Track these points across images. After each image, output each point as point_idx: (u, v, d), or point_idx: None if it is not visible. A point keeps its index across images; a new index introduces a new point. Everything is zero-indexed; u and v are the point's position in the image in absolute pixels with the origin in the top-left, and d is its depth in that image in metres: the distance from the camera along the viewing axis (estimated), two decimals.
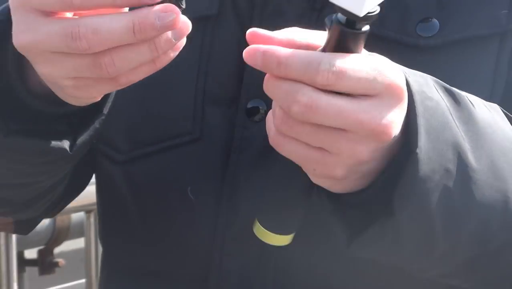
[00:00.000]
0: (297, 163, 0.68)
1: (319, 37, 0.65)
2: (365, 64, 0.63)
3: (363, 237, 0.71)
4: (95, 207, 1.06)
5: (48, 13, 0.65)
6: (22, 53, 0.70)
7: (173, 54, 0.65)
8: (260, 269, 0.88)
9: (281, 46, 0.63)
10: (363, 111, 0.62)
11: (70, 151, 0.76)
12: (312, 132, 0.63)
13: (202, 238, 0.90)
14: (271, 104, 0.73)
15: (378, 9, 0.62)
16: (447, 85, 0.75)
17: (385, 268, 0.81)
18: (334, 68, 0.61)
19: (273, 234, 0.76)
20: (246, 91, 0.88)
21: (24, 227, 1.02)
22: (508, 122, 0.79)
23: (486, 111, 0.76)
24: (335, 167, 0.65)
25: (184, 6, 0.65)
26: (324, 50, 0.62)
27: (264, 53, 0.61)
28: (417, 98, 0.68)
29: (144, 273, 0.96)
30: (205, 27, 0.89)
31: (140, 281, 0.97)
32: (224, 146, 0.89)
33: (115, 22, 0.63)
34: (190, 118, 0.90)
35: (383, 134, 0.63)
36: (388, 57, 0.74)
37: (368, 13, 0.61)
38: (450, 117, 0.72)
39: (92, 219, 1.75)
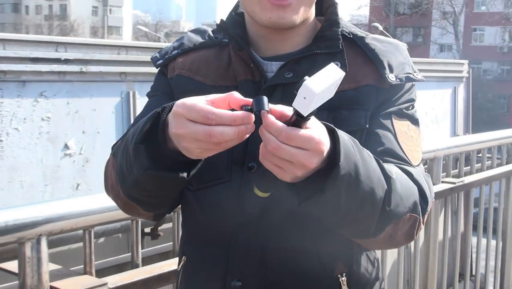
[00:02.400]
0: (273, 172, 0.96)
1: (290, 109, 0.93)
2: (305, 134, 0.91)
3: (307, 202, 0.99)
4: (179, 209, 1.38)
5: (192, 121, 0.93)
6: (175, 138, 0.97)
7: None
8: (254, 236, 1.18)
9: (275, 114, 0.92)
10: (302, 156, 0.92)
11: (187, 178, 1.03)
12: (278, 158, 0.93)
13: (228, 222, 1.21)
14: (259, 164, 1.02)
15: (315, 110, 0.90)
16: (352, 137, 1.03)
17: (315, 223, 1.07)
18: (288, 136, 0.91)
19: (261, 193, 1.04)
20: (248, 159, 1.19)
21: (158, 217, 1.28)
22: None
23: (367, 152, 1.05)
24: (297, 172, 0.94)
25: (268, 109, 0.93)
26: (290, 119, 0.93)
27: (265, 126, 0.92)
28: (341, 142, 0.97)
29: (203, 241, 1.27)
30: None
31: (200, 244, 1.28)
32: (239, 182, 1.19)
33: (230, 130, 0.91)
34: (224, 170, 1.21)
35: (308, 166, 0.93)
36: None
37: (311, 112, 0.91)
38: (352, 149, 1.00)
39: (176, 214, 2.16)
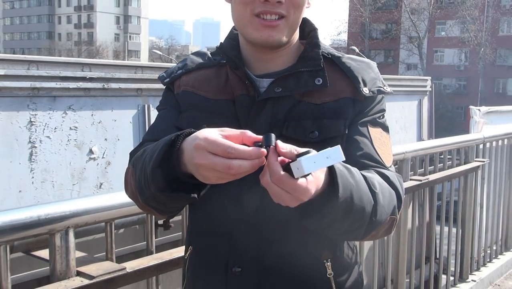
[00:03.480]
0: (279, 200, 0.94)
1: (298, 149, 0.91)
2: (293, 184, 0.90)
3: (307, 221, 1.01)
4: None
5: (213, 153, 0.91)
6: (194, 167, 0.94)
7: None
8: (252, 228, 1.18)
9: (284, 152, 0.90)
10: (287, 198, 0.92)
11: (198, 198, 1.02)
12: (280, 190, 0.91)
13: (229, 216, 1.20)
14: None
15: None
16: (347, 166, 1.03)
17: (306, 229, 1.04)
18: (279, 180, 0.90)
19: None
20: None
21: (170, 216, 1.51)
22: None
23: (358, 173, 1.06)
24: (295, 202, 0.93)
25: (273, 145, 0.91)
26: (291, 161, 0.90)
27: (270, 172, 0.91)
28: (338, 175, 0.97)
29: (207, 233, 1.26)
30: None
31: (204, 236, 1.27)
32: (238, 183, 1.05)
33: (247, 164, 0.90)
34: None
35: (293, 205, 0.93)
36: (300, 146, 0.97)
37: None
38: (349, 179, 1.00)
39: (185, 208, 2.03)
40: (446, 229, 4.00)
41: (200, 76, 1.28)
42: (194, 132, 0.98)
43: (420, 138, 5.36)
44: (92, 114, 2.73)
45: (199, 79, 1.28)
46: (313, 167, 0.89)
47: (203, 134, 0.93)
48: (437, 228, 4.09)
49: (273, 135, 0.92)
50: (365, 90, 1.21)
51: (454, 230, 4.12)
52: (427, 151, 3.70)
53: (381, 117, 1.26)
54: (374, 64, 1.31)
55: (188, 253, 1.31)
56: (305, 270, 1.18)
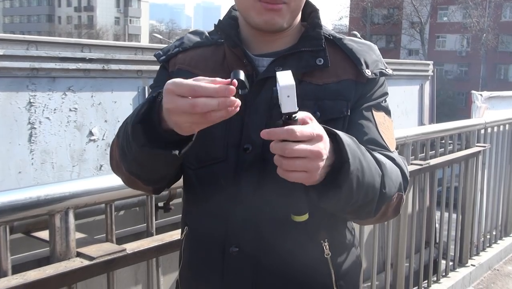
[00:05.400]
0: (298, 180, 0.92)
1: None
2: (309, 127, 0.91)
3: (326, 198, 1.00)
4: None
5: (180, 96, 0.91)
6: (166, 114, 0.94)
7: (232, 111, 0.90)
8: (249, 209, 1.16)
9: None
10: (316, 146, 0.90)
11: (178, 155, 1.01)
12: (299, 160, 0.89)
13: (226, 197, 1.18)
14: (253, 146, 1.12)
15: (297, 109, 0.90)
16: (350, 136, 1.03)
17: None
18: (301, 132, 0.89)
19: (300, 216, 0.99)
20: (243, 141, 1.17)
21: (157, 191, 1.26)
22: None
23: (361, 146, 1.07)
24: (316, 165, 0.91)
25: (247, 91, 0.92)
26: (283, 126, 0.89)
27: (269, 134, 0.90)
28: (344, 142, 0.97)
29: (204, 214, 1.23)
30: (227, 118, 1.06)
31: (201, 216, 1.25)
32: (235, 163, 1.17)
33: (212, 101, 0.89)
34: (222, 152, 1.18)
35: (323, 154, 0.91)
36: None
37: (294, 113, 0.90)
38: (355, 146, 1.01)
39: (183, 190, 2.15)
40: (446, 215, 4.00)
41: (197, 55, 1.27)
42: None
43: (421, 123, 5.35)
44: (92, 96, 2.71)
45: (196, 58, 1.26)
46: (290, 78, 0.90)
47: (173, 79, 0.93)
48: (437, 213, 4.09)
49: (241, 72, 0.92)
50: (367, 72, 1.20)
51: (454, 215, 4.13)
52: (428, 135, 3.69)
53: (384, 101, 1.25)
54: (375, 46, 1.29)
55: (184, 233, 1.30)
56: (303, 250, 1.17)
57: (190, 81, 0.91)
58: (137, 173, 1.11)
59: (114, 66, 2.76)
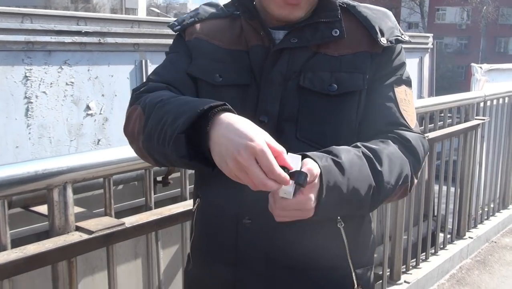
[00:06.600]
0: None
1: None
2: (295, 204, 0.95)
3: (317, 213, 1.00)
4: None
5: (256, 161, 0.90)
6: (229, 157, 0.91)
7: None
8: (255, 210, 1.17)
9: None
10: (302, 201, 0.95)
11: (212, 171, 0.99)
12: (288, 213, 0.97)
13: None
14: (270, 118, 1.14)
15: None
16: (332, 155, 1.04)
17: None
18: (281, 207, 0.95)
19: None
20: (259, 112, 1.17)
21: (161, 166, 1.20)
22: (359, 151, 1.08)
23: (355, 159, 1.06)
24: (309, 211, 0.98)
25: (305, 186, 0.94)
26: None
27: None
28: (323, 174, 0.98)
29: (217, 185, 1.19)
30: (244, 88, 1.17)
31: (214, 188, 1.22)
32: None
33: (270, 184, 0.90)
34: None
35: (310, 203, 0.96)
36: (315, 100, 1.13)
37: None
38: (338, 176, 1.02)
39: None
40: (444, 188, 4.01)
41: (213, 26, 1.26)
42: (229, 108, 0.96)
43: (420, 96, 5.33)
44: (88, 70, 2.69)
45: (213, 28, 1.26)
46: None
47: (261, 138, 0.90)
48: (436, 187, 4.10)
49: (304, 174, 0.93)
50: (383, 41, 1.19)
51: (452, 189, 4.14)
52: (427, 108, 3.68)
53: (403, 72, 1.24)
54: (390, 13, 1.28)
55: (196, 205, 1.30)
56: (316, 221, 1.14)
57: (273, 159, 0.90)
58: (156, 158, 1.09)
59: (110, 40, 2.75)
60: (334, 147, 1.06)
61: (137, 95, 1.18)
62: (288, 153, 0.94)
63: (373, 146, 1.11)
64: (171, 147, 0.98)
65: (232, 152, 0.90)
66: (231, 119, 0.94)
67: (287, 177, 0.91)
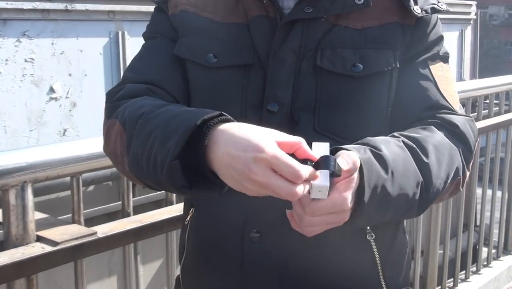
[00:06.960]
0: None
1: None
2: (328, 205, 0.93)
3: (356, 219, 0.99)
4: None
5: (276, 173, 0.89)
6: (244, 179, 0.90)
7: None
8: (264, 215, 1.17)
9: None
10: (337, 200, 0.94)
11: (218, 194, 0.99)
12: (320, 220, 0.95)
13: None
14: (280, 106, 1.13)
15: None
16: (370, 146, 1.02)
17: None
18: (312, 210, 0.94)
19: None
20: (266, 100, 1.16)
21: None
22: (401, 144, 1.07)
23: (399, 151, 1.06)
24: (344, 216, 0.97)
25: (340, 175, 0.92)
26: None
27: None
28: (364, 173, 0.97)
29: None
30: (245, 70, 1.17)
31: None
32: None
33: (299, 189, 0.89)
34: (239, 113, 1.14)
35: (347, 202, 0.94)
36: (339, 82, 1.12)
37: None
38: (381, 171, 1.00)
39: None
40: (489, 192, 4.01)
41: None
42: (227, 118, 0.94)
43: (460, 79, 5.33)
44: (52, 43, 2.70)
45: None
46: (326, 180, 0.90)
47: (268, 142, 0.89)
48: (479, 190, 4.10)
49: (333, 158, 0.91)
50: (417, 9, 1.18)
51: (498, 193, 4.14)
52: (468, 93, 3.67)
53: (441, 48, 1.24)
54: None
55: (189, 216, 1.28)
56: (340, 233, 1.10)
57: (293, 162, 0.88)
58: (149, 184, 1.06)
59: (79, 6, 2.75)
60: (369, 138, 1.05)
61: (113, 104, 1.16)
62: (313, 142, 0.93)
63: (415, 135, 1.10)
64: (164, 176, 0.95)
65: (243, 171, 0.89)
66: (229, 131, 0.92)
67: (315, 171, 0.89)
